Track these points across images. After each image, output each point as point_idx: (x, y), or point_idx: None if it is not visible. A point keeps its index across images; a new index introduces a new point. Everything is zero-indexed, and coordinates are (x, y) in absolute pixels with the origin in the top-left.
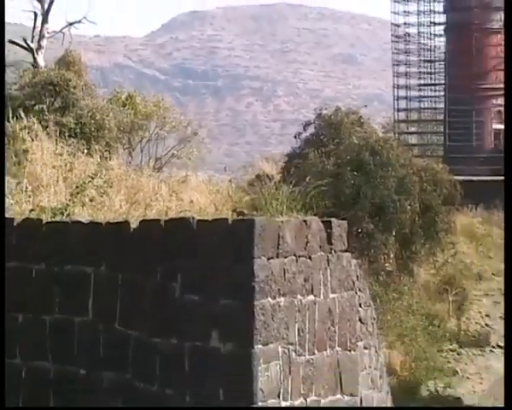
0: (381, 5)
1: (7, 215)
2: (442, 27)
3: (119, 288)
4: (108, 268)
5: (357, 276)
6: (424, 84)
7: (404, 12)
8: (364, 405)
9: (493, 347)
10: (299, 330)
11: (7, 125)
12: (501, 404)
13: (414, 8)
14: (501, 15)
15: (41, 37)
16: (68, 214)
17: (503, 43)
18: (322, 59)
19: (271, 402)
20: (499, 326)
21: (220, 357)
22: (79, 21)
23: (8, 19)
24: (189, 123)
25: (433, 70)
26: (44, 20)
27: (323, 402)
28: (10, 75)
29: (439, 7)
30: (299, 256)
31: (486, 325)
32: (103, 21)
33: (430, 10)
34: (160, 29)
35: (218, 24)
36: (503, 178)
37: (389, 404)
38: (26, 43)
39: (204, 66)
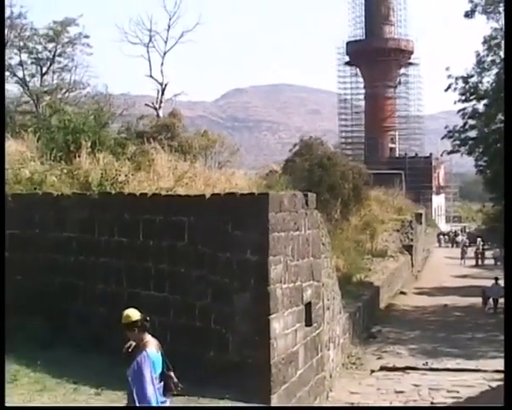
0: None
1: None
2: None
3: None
4: (193, 219)
5: (320, 221)
6: (353, 125)
7: (345, 88)
8: (324, 287)
9: (389, 256)
10: (291, 248)
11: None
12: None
13: (348, 85)
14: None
15: (161, 101)
16: (174, 191)
17: (393, 102)
18: (301, 112)
19: (278, 285)
20: (391, 245)
21: (251, 263)
22: (180, 94)
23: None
24: (235, 145)
25: (358, 117)
26: (162, 92)
27: (304, 285)
28: (146, 123)
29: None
30: (291, 211)
31: (385, 245)
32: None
33: (357, 87)
34: (219, 98)
35: (249, 94)
36: (394, 171)
37: (336, 286)
38: (153, 105)
39: (243, 115)
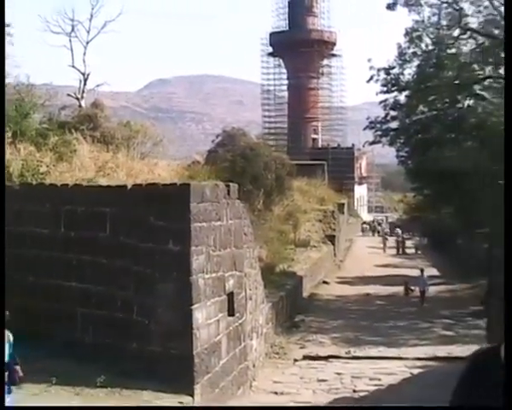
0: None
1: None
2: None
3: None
4: (115, 210)
5: (243, 212)
6: (276, 115)
7: (268, 79)
8: (247, 277)
9: (311, 246)
10: (214, 239)
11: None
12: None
13: (272, 76)
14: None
15: (83, 91)
16: (95, 182)
17: (316, 93)
18: (225, 103)
19: (200, 275)
20: (314, 235)
21: (174, 253)
22: (102, 84)
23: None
24: (158, 135)
25: (281, 108)
26: (85, 82)
27: (226, 275)
28: (68, 113)
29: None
30: (213, 202)
31: (308, 235)
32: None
33: (280, 77)
34: (142, 88)
35: (173, 85)
36: (317, 162)
37: (259, 276)
38: (75, 95)
39: (166, 106)
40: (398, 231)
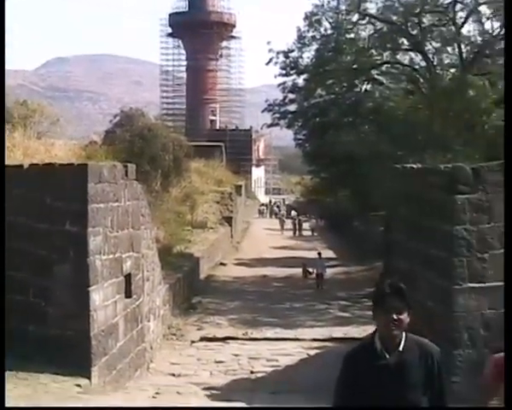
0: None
1: None
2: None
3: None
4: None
5: (141, 193)
6: (174, 96)
7: (167, 59)
8: (144, 258)
9: (209, 228)
10: (111, 220)
11: None
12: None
13: (171, 57)
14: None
15: None
16: None
17: (214, 75)
18: (124, 83)
19: (98, 256)
20: (211, 217)
21: (71, 234)
22: None
23: None
24: (55, 115)
25: (179, 89)
26: None
27: (124, 256)
28: None
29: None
30: (111, 182)
31: (205, 217)
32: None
33: (179, 58)
34: (40, 66)
35: (72, 64)
36: (215, 143)
37: (156, 257)
38: None
39: (63, 85)
40: (294, 213)
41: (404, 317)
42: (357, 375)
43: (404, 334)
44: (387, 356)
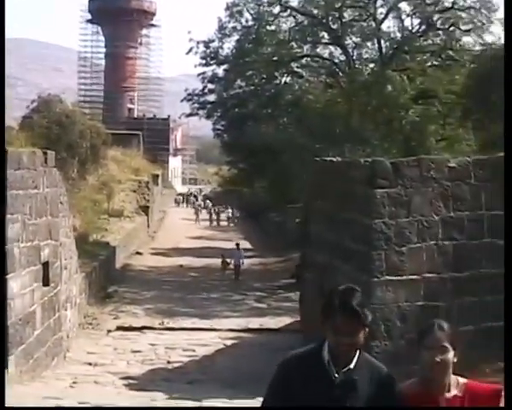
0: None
1: None
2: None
3: None
4: None
5: (59, 180)
6: (92, 83)
7: (86, 46)
8: (61, 247)
9: (125, 217)
10: (30, 207)
11: None
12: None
13: (89, 43)
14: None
15: None
16: None
17: (133, 63)
18: (42, 68)
19: (16, 244)
20: (128, 206)
21: None
22: None
23: None
24: None
25: (97, 76)
26: None
27: (42, 244)
28: None
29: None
30: (30, 169)
31: (122, 206)
32: None
33: (98, 45)
34: None
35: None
36: (132, 132)
37: (73, 245)
38: None
39: None
40: (209, 203)
41: (358, 338)
42: (293, 385)
43: (357, 351)
44: (335, 372)
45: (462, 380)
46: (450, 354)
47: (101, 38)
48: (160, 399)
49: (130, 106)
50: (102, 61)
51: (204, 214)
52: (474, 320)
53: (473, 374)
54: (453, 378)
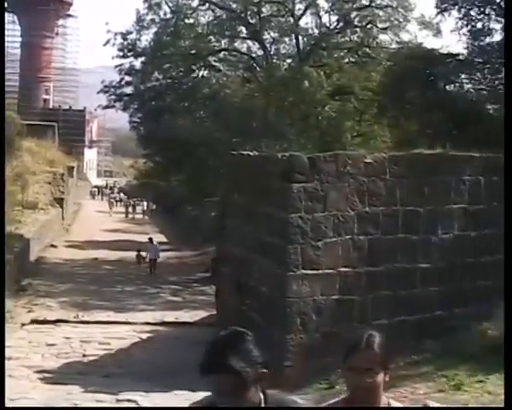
0: None
1: None
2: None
3: None
4: None
5: None
6: (7, 73)
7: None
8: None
9: (40, 209)
10: None
11: None
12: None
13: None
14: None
15: None
16: None
17: (49, 53)
18: None
19: None
20: (42, 198)
21: None
22: None
23: None
24: None
25: (12, 66)
26: None
27: None
28: None
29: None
30: None
31: (36, 197)
32: None
33: (14, 34)
34: None
35: None
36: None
37: None
38: None
39: None
40: (123, 196)
41: (242, 380)
42: None
43: (261, 395)
44: None
45: (394, 403)
46: (380, 377)
47: (18, 27)
48: (76, 392)
49: (45, 97)
50: (18, 51)
51: (119, 207)
52: (388, 314)
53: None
54: (383, 401)
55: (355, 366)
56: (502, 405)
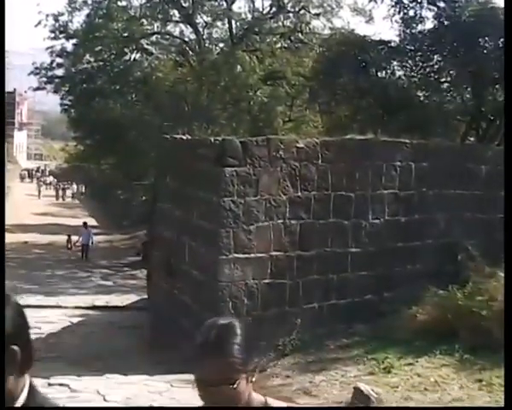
0: None
1: None
2: None
3: None
4: None
5: None
6: None
7: None
8: None
9: None
10: None
11: None
12: None
13: None
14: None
15: None
16: None
17: None
18: None
19: None
20: None
21: None
22: None
23: None
24: None
25: None
26: None
27: None
28: None
29: None
30: None
31: None
32: None
33: None
34: None
35: None
36: None
37: None
38: None
39: None
40: (54, 179)
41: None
42: None
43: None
44: None
45: (271, 402)
46: (242, 384)
47: None
48: None
49: None
50: None
51: (48, 191)
52: (320, 298)
53: (317, 350)
54: (258, 401)
55: (203, 378)
56: (432, 387)
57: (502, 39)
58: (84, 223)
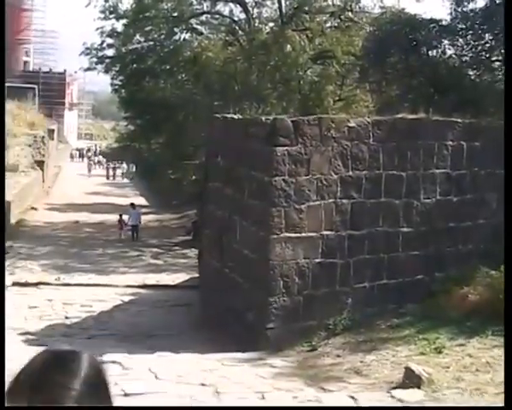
0: None
1: None
2: None
3: None
4: None
5: None
6: None
7: None
8: None
9: (20, 172)
10: None
11: None
12: None
13: None
14: None
15: None
16: None
17: (29, 14)
18: None
19: None
20: (23, 160)
21: None
22: None
23: None
24: None
25: None
26: None
27: None
28: None
29: None
30: None
31: (17, 160)
32: None
33: None
34: None
35: None
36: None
37: None
38: None
39: None
40: (104, 159)
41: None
42: None
43: None
44: None
45: None
46: None
47: None
48: None
49: (25, 59)
50: None
51: (99, 170)
52: (370, 277)
53: (368, 329)
54: None
55: None
56: (483, 367)
57: None
58: (132, 204)
